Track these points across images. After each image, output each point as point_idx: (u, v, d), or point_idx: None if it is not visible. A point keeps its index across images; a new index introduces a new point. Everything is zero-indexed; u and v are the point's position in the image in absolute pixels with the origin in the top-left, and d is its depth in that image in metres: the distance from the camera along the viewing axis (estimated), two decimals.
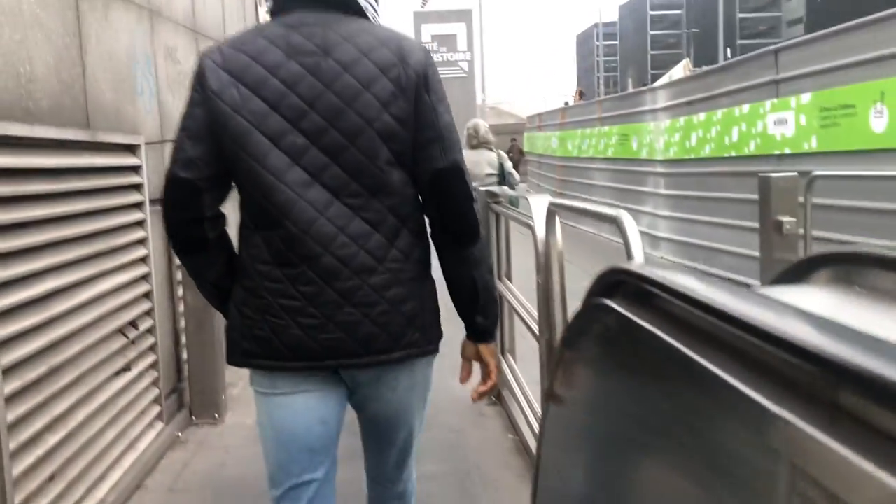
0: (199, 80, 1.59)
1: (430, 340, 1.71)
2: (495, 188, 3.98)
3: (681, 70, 23.27)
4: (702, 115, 7.95)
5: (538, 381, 3.24)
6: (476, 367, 1.83)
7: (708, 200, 8.05)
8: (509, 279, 3.97)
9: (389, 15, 45.73)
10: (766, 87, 6.70)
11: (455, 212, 1.66)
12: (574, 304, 2.64)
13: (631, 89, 39.75)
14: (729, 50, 43.66)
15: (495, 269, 3.98)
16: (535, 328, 2.87)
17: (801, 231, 4.28)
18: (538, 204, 2.56)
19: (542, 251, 2.53)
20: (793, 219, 4.14)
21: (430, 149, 1.62)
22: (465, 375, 1.85)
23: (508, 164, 6.70)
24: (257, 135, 1.55)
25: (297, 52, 1.57)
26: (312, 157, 1.57)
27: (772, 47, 6.68)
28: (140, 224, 3.45)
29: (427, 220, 1.72)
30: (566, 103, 26.38)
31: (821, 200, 4.92)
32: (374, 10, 1.71)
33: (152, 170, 3.65)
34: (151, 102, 3.69)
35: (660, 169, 9.33)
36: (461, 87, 24.69)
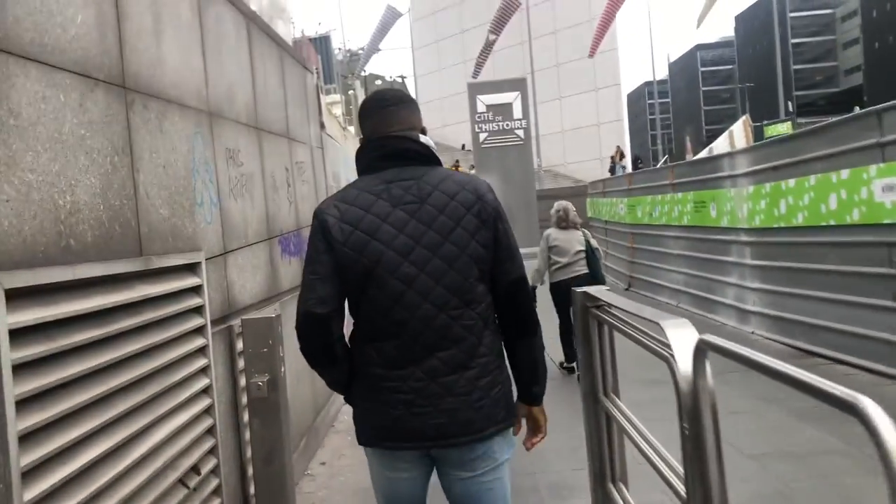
0: (324, 233, 2.03)
1: (513, 414, 2.20)
2: (594, 291, 3.50)
3: (740, 126, 22.73)
4: (791, 182, 7.37)
5: None
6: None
7: (804, 272, 7.39)
8: (616, 395, 3.44)
9: (444, 87, 46.22)
10: (869, 151, 6.12)
11: (524, 310, 2.16)
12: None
13: (689, 147, 39.13)
14: (790, 102, 42.78)
15: (599, 384, 3.47)
16: (674, 481, 2.33)
17: None
18: (681, 337, 2.07)
19: (688, 392, 2.03)
20: None
21: (505, 265, 2.12)
22: (518, 429, 2.28)
23: (594, 242, 7.23)
24: (379, 269, 2.01)
25: (399, 201, 2.04)
26: (421, 281, 2.02)
27: (874, 108, 6.12)
28: (202, 350, 3.07)
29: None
30: (611, 171, 25.72)
31: None
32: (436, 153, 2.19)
33: (214, 287, 3.29)
34: (212, 212, 3.36)
35: (744, 238, 8.71)
36: (518, 155, 24.45)
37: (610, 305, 3.33)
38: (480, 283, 2.08)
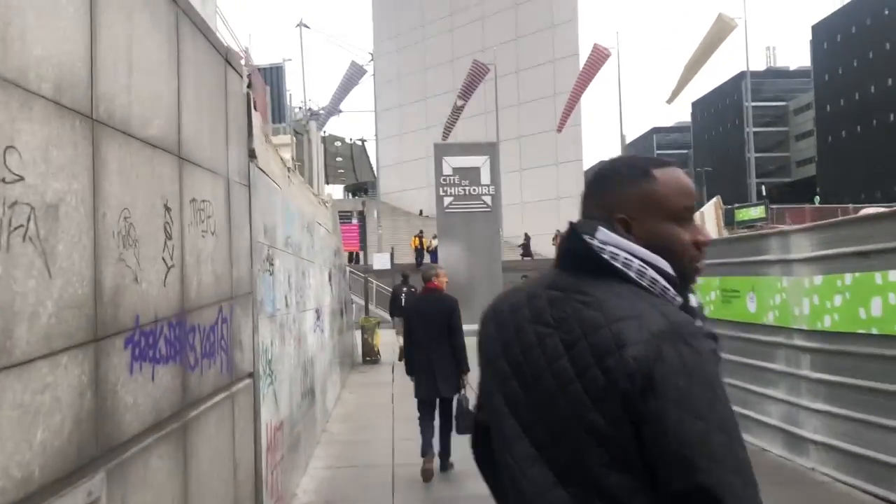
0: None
1: None
2: None
3: (711, 207, 21.29)
4: (893, 274, 5.44)
5: None
6: None
7: None
8: None
9: (405, 152, 44.77)
10: None
11: None
12: None
13: None
14: (763, 187, 42.01)
15: None
16: None
17: None
18: None
19: None
20: None
21: (662, 467, 1.22)
22: None
23: None
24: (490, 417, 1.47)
25: (537, 319, 1.38)
26: (521, 449, 1.36)
27: None
28: None
29: None
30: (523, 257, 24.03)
31: None
32: (642, 271, 1.34)
33: None
34: None
35: (800, 342, 6.73)
36: (484, 222, 22.56)
37: None
38: (616, 473, 1.24)
